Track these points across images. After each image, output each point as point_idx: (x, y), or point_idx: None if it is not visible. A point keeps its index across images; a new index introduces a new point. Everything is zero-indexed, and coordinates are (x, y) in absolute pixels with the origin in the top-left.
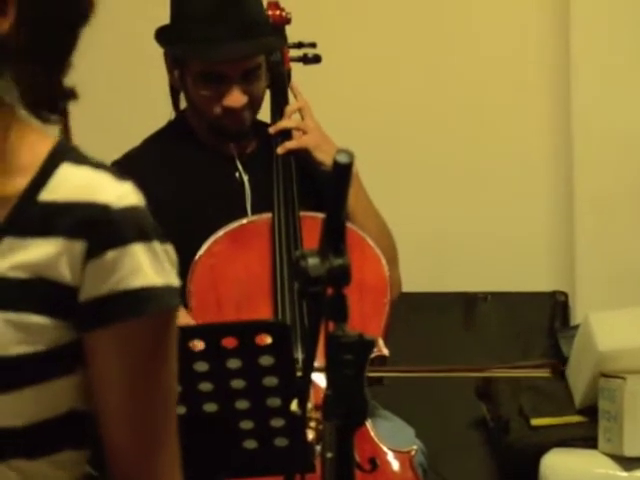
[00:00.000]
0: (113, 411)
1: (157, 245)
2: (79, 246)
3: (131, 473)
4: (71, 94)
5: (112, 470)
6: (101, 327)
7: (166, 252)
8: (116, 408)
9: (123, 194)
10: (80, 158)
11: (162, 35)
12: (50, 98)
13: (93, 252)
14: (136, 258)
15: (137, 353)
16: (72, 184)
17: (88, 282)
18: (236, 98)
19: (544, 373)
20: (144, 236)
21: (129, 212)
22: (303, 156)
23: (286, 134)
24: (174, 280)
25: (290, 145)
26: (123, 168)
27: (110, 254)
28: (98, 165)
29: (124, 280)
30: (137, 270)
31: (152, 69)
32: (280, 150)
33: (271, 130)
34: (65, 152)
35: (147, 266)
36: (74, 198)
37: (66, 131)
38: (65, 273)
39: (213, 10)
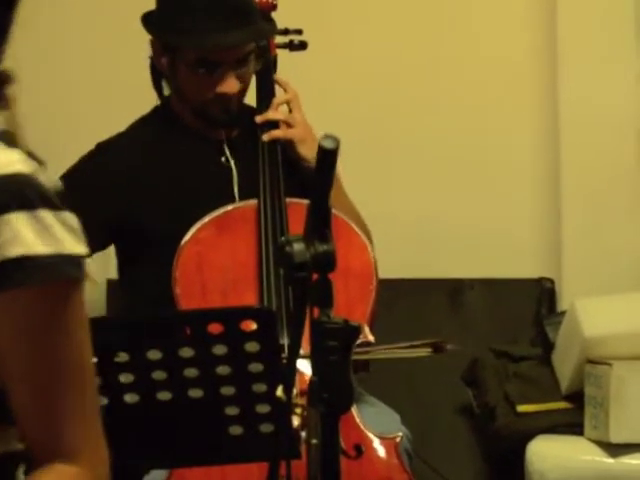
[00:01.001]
0: (14, 380)
1: (46, 213)
2: None
3: (39, 443)
4: (5, 78)
5: (25, 438)
6: None
7: (62, 221)
8: (17, 378)
9: (7, 162)
10: None
11: (152, 22)
12: None
13: None
14: (15, 227)
15: (30, 324)
16: None
17: None
18: (231, 84)
19: (425, 353)
20: (27, 204)
21: (10, 180)
22: (286, 149)
23: (272, 122)
24: (72, 249)
25: (276, 134)
26: (106, 151)
27: None
28: None
29: (2, 249)
30: (16, 239)
31: (136, 56)
32: (266, 137)
33: (258, 120)
34: None
35: (29, 235)
36: None
37: (11, 118)
38: None
39: None
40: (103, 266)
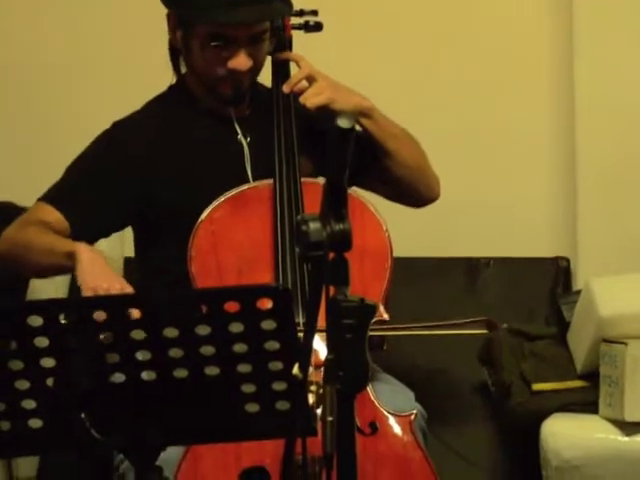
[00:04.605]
0: None
1: None
2: None
3: None
4: None
5: None
6: None
7: None
8: None
9: None
10: None
11: None
12: None
13: None
14: None
15: None
16: None
17: None
18: (242, 61)
19: (480, 330)
20: None
21: None
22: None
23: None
24: None
25: (319, 101)
26: (124, 130)
27: None
28: None
29: None
30: None
31: (152, 35)
32: (311, 103)
33: (285, 89)
34: None
35: None
36: None
37: None
38: None
39: None
40: (120, 245)
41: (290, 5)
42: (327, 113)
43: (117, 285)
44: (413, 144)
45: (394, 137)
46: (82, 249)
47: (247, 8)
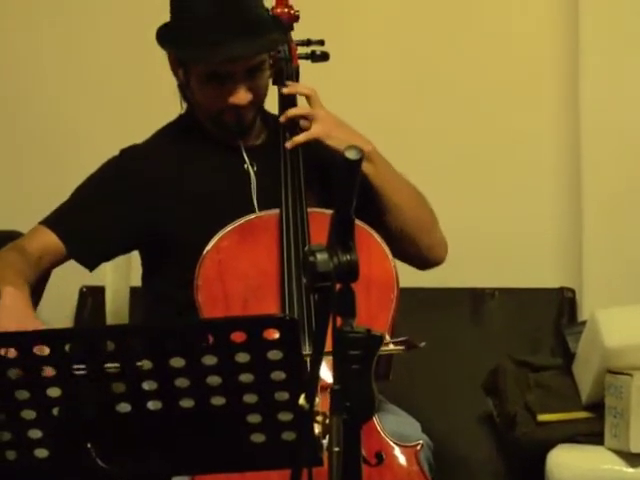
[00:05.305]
0: None
1: None
2: None
3: None
4: None
5: None
6: None
7: None
8: None
9: None
10: None
11: (163, 36)
12: None
13: None
14: None
15: None
16: None
17: None
18: (242, 96)
19: (399, 350)
20: None
21: None
22: (315, 147)
23: (293, 128)
24: None
25: (298, 140)
26: (130, 157)
27: None
28: None
29: None
30: None
31: (161, 65)
32: (288, 145)
33: (281, 119)
34: None
35: None
36: None
37: None
38: None
39: (213, 10)
40: (126, 275)
41: (287, 34)
42: (337, 152)
43: (30, 328)
44: (416, 196)
45: (393, 183)
46: (5, 292)
47: (240, 43)
